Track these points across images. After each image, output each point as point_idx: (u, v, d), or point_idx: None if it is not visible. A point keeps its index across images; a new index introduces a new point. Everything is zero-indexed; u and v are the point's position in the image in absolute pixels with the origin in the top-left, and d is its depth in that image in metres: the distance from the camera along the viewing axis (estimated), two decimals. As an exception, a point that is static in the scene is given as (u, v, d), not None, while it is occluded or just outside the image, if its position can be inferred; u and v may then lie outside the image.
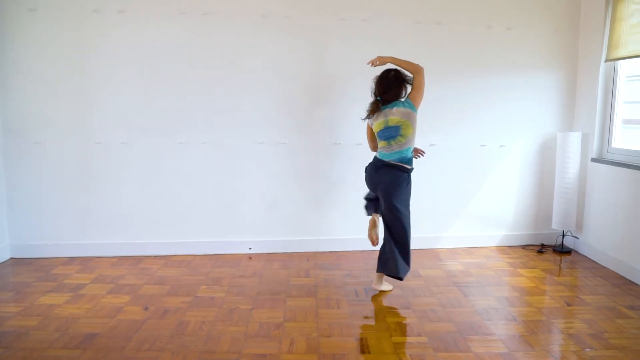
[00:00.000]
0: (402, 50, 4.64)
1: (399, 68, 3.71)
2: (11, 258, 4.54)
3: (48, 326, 3.19)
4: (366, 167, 3.81)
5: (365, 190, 3.94)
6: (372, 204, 3.88)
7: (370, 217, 3.89)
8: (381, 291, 3.81)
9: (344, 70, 4.62)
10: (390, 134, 3.61)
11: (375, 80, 3.72)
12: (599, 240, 4.57)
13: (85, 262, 4.43)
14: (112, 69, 4.44)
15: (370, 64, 3.79)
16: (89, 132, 4.49)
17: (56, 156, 4.48)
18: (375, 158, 3.73)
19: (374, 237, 3.80)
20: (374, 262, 4.44)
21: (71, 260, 4.50)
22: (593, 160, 4.63)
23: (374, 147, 3.84)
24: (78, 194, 4.54)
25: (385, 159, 3.63)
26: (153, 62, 4.46)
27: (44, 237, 4.56)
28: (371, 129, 3.77)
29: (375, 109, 3.67)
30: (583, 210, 4.81)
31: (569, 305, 3.60)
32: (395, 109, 3.59)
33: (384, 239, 3.73)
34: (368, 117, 3.73)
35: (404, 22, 4.64)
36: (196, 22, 4.44)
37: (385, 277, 3.83)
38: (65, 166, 4.51)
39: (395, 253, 3.64)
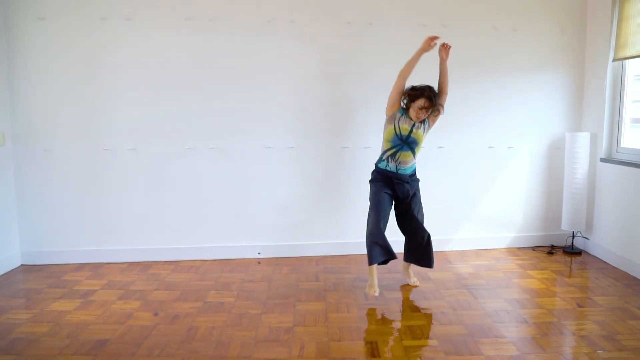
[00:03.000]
0: (409, 53, 4.65)
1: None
2: (22, 265, 4.56)
3: (59, 332, 3.21)
4: (384, 175, 3.87)
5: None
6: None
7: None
8: (412, 286, 3.99)
9: (350, 73, 4.63)
10: None
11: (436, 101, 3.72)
12: (609, 241, 4.54)
13: (95, 269, 4.45)
14: (120, 75, 4.47)
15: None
16: (98, 139, 4.51)
17: (65, 163, 4.51)
18: (391, 173, 3.86)
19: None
20: (383, 265, 4.43)
21: (81, 266, 4.52)
22: (602, 160, 4.60)
23: None
24: (87, 200, 4.57)
25: None
26: (160, 68, 4.48)
27: (54, 243, 4.59)
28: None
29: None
30: (593, 211, 4.78)
31: (580, 306, 3.57)
32: None
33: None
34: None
35: (409, 24, 4.63)
36: (203, 27, 4.46)
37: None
38: (75, 173, 4.53)
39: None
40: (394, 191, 3.81)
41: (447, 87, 3.83)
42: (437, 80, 3.83)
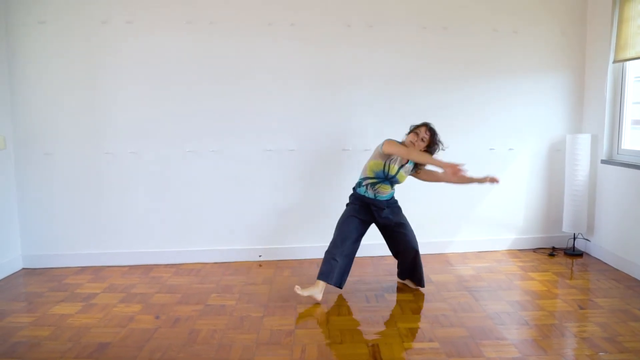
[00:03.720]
0: (409, 55, 4.66)
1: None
2: (23, 268, 4.56)
3: (60, 336, 3.21)
4: (363, 201, 3.86)
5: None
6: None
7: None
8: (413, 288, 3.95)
9: (351, 76, 4.63)
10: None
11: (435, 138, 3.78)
12: (611, 243, 4.53)
13: (96, 272, 4.45)
14: (121, 79, 4.47)
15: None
16: (99, 143, 4.52)
17: (66, 167, 4.52)
18: (369, 199, 3.85)
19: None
20: (384, 268, 4.45)
21: (82, 269, 4.52)
22: (603, 162, 4.60)
23: None
24: (88, 204, 4.57)
25: None
26: (161, 71, 4.49)
27: (55, 247, 4.59)
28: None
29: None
30: (594, 213, 4.78)
31: (581, 308, 3.57)
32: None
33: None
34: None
35: (410, 27, 4.64)
36: (203, 31, 4.47)
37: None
38: (76, 177, 4.54)
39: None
40: (373, 217, 3.84)
41: (433, 180, 3.95)
42: (438, 172, 3.90)
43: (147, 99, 4.51)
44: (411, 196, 4.76)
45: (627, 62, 4.40)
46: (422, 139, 3.72)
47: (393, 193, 3.90)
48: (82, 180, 4.55)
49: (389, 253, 4.70)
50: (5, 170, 4.40)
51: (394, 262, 4.55)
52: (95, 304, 3.74)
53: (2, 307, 3.70)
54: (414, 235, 3.88)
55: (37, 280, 4.27)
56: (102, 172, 4.55)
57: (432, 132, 3.75)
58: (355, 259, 4.70)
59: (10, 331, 3.28)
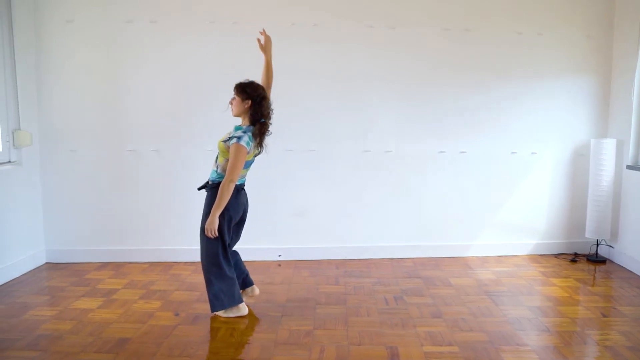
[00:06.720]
0: (431, 56, 4.63)
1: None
2: (46, 263, 4.64)
3: (82, 330, 3.25)
4: (238, 198, 3.47)
5: None
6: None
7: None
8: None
9: (373, 77, 4.62)
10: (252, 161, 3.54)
11: (267, 101, 3.47)
12: (635, 250, 4.45)
13: (117, 268, 4.51)
14: (145, 77, 4.52)
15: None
16: (122, 140, 4.57)
17: (90, 164, 4.58)
18: (240, 185, 3.51)
19: None
20: (403, 270, 4.43)
21: (104, 265, 4.58)
22: (628, 167, 4.52)
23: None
24: (111, 200, 4.63)
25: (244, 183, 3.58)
26: (184, 70, 4.52)
27: (78, 242, 4.65)
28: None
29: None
30: (618, 219, 4.70)
31: (604, 316, 3.51)
32: None
33: (235, 258, 3.71)
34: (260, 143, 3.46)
35: (432, 29, 4.61)
36: (227, 31, 4.50)
37: None
38: (99, 173, 4.60)
39: None
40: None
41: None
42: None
43: (170, 98, 4.55)
44: (430, 199, 4.75)
45: (655, 66, 4.33)
46: (232, 99, 3.50)
47: (213, 171, 3.53)
48: (105, 176, 4.61)
49: (409, 255, 4.68)
50: (31, 166, 4.47)
51: (414, 264, 4.54)
52: (115, 299, 3.79)
53: (26, 300, 3.76)
54: (202, 242, 3.55)
55: (60, 275, 4.33)
56: (124, 169, 4.61)
57: (237, 86, 3.47)
58: (374, 261, 4.73)
59: (34, 324, 3.34)
